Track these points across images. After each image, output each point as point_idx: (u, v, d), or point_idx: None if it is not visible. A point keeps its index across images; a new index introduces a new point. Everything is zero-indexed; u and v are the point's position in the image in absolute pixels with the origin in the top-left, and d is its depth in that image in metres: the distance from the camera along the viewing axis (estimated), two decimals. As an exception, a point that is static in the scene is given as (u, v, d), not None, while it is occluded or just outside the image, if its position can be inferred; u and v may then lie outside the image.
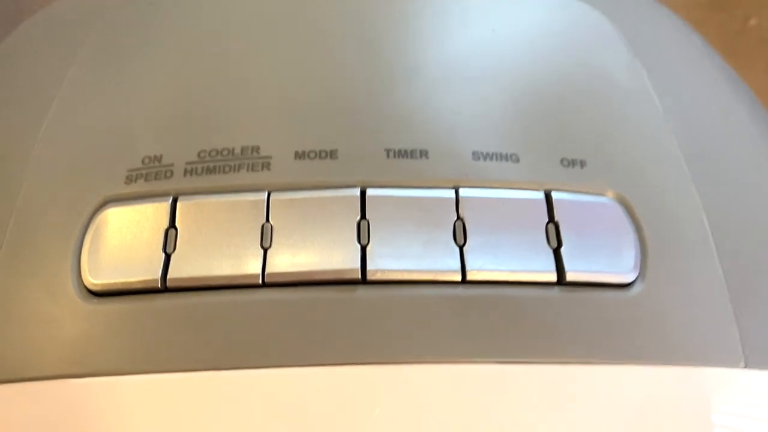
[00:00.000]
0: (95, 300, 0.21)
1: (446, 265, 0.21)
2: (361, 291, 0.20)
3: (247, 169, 0.22)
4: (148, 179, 0.22)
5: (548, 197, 0.22)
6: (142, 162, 0.22)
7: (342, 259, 0.20)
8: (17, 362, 0.20)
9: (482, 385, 0.20)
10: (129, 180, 0.22)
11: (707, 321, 0.21)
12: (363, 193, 0.22)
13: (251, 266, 0.20)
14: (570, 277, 0.21)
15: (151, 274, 0.20)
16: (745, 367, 0.21)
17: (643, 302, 0.21)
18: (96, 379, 0.20)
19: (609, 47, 0.27)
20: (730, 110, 0.28)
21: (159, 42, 0.26)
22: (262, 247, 0.21)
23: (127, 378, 0.20)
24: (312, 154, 0.22)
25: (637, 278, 0.21)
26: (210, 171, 0.22)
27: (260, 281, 0.20)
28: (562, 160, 0.23)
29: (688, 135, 0.25)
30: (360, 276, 0.20)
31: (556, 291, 0.21)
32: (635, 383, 0.20)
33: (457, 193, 0.22)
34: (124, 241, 0.21)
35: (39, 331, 0.20)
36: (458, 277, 0.21)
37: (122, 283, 0.21)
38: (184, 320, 0.20)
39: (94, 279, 0.21)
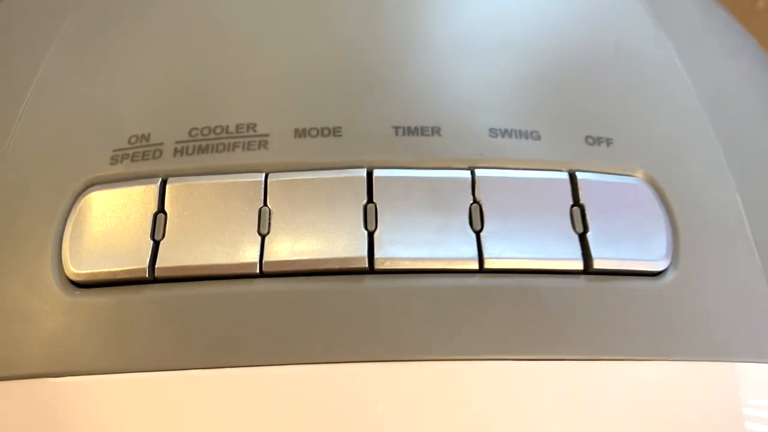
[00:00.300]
0: (77, 291, 0.19)
1: (462, 253, 0.19)
2: (369, 281, 0.18)
3: (243, 148, 0.20)
4: (135, 159, 0.20)
5: (573, 178, 0.20)
6: (129, 141, 0.21)
7: (347, 246, 0.19)
8: (-7, 360, 0.18)
9: (502, 384, 0.18)
10: (114, 160, 0.20)
11: (745, 312, 0.20)
12: (369, 174, 0.20)
13: (248, 254, 0.19)
14: (597, 264, 0.19)
15: (138, 262, 0.19)
16: None
17: (675, 292, 0.19)
18: (79, 379, 0.18)
19: (632, 17, 0.25)
20: (760, 85, 0.26)
21: (149, 13, 0.24)
22: (259, 233, 0.19)
23: (112, 377, 0.18)
24: (313, 132, 0.20)
25: (668, 266, 0.20)
26: (202, 150, 0.20)
27: (257, 271, 0.18)
28: (586, 138, 0.21)
29: (718, 110, 0.23)
30: (367, 265, 0.19)
31: (582, 280, 0.19)
32: (668, 380, 0.19)
33: (472, 173, 0.20)
34: (109, 226, 0.19)
35: (16, 325, 0.19)
36: (475, 266, 0.19)
37: (107, 273, 0.19)
38: (174, 314, 0.18)
39: (76, 269, 0.19)
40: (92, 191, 0.20)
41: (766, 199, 0.22)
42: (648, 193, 0.20)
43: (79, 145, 0.21)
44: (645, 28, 0.25)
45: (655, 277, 0.19)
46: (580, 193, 0.20)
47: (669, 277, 0.19)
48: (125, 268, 0.19)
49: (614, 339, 0.18)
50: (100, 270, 0.19)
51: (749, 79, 0.26)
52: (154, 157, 0.20)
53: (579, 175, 0.20)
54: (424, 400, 0.18)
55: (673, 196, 0.21)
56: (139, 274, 0.19)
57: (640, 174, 0.21)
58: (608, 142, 0.21)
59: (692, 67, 0.24)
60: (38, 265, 0.19)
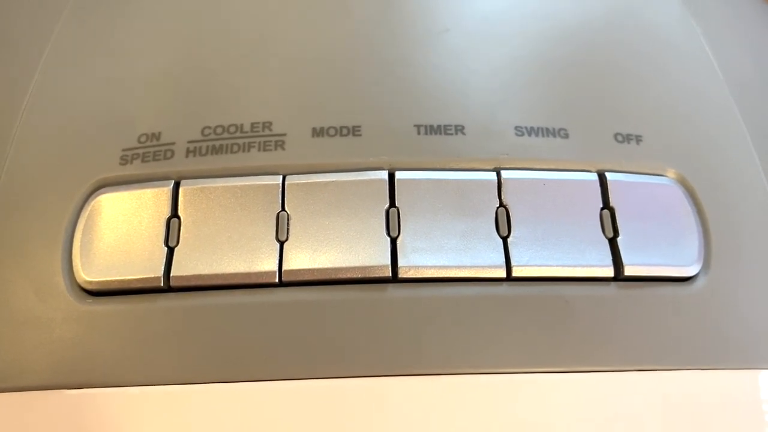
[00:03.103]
0: (90, 300, 0.18)
1: (489, 260, 0.18)
2: (393, 290, 0.18)
3: (259, 149, 0.19)
4: (146, 160, 0.19)
5: (602, 179, 0.19)
6: (139, 140, 0.20)
7: (369, 253, 0.18)
8: (4, 370, 0.18)
9: (532, 398, 0.17)
10: (124, 161, 0.20)
11: None
12: (391, 176, 0.19)
13: (266, 262, 0.18)
14: (628, 271, 0.18)
15: (153, 271, 0.18)
16: None
17: (707, 299, 0.19)
18: (92, 391, 0.17)
19: (660, 2, 0.24)
20: None
21: (159, 3, 0.23)
22: (277, 239, 0.18)
23: (127, 390, 0.17)
24: (332, 131, 0.20)
25: (700, 271, 0.19)
26: (216, 151, 0.19)
27: (277, 280, 0.18)
28: (616, 135, 0.20)
29: (751, 105, 0.22)
30: (390, 273, 0.18)
31: (613, 288, 0.18)
32: (701, 390, 0.18)
33: (498, 175, 0.19)
34: (121, 232, 0.19)
35: (27, 334, 0.18)
36: (503, 274, 0.18)
37: (120, 282, 0.18)
38: (191, 325, 0.18)
39: (88, 276, 0.18)
40: (102, 193, 0.19)
41: None
42: (679, 194, 0.20)
43: (86, 144, 0.20)
44: (673, 14, 0.24)
45: (686, 283, 0.19)
46: (610, 195, 0.19)
47: (700, 282, 0.19)
48: (139, 277, 0.18)
49: (645, 349, 0.18)
50: (113, 278, 0.18)
51: None
52: (165, 158, 0.19)
53: (609, 176, 0.19)
54: (451, 415, 0.17)
55: (704, 196, 0.20)
56: (154, 283, 0.18)
57: (671, 174, 0.20)
58: (638, 139, 0.20)
59: (722, 56, 0.23)
60: (49, 271, 0.18)
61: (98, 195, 0.19)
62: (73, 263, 0.18)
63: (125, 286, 0.18)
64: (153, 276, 0.18)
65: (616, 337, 0.18)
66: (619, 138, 0.20)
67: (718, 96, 0.22)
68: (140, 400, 0.17)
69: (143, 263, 0.18)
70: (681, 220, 0.19)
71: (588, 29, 0.23)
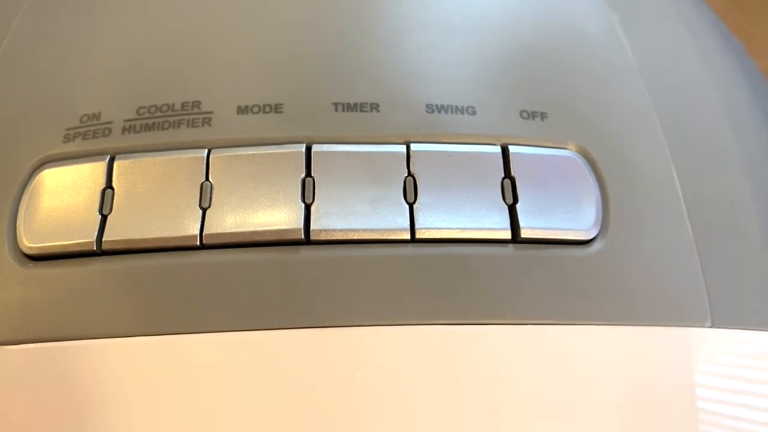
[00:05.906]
0: (31, 264, 0.20)
1: (395, 223, 0.20)
2: (305, 252, 0.19)
3: (187, 125, 0.21)
4: (87, 138, 0.21)
5: (505, 151, 0.21)
6: (81, 120, 0.21)
7: (285, 218, 0.20)
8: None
9: (433, 348, 0.19)
10: (67, 139, 0.21)
11: (672, 279, 0.20)
12: (309, 149, 0.20)
13: (189, 227, 0.19)
14: (525, 234, 0.20)
15: (87, 236, 0.20)
16: (712, 326, 0.20)
17: (602, 260, 0.20)
18: (32, 346, 0.19)
19: None
20: (711, 61, 0.26)
21: None
22: (200, 207, 0.20)
23: (62, 344, 0.19)
24: (255, 108, 0.21)
25: (597, 235, 0.20)
26: (149, 128, 0.21)
27: (198, 243, 0.19)
28: (521, 113, 0.22)
29: (661, 87, 0.23)
30: (303, 236, 0.19)
31: (510, 249, 0.20)
32: (592, 345, 0.19)
33: (408, 147, 0.21)
34: (61, 202, 0.20)
35: None
36: (407, 236, 0.20)
37: (58, 246, 0.20)
38: (119, 285, 0.19)
39: (29, 242, 0.20)
40: (46, 168, 0.21)
41: (701, 168, 0.22)
42: (580, 165, 0.21)
43: (34, 124, 0.22)
44: (591, 4, 0.25)
45: (584, 246, 0.20)
46: (512, 166, 0.21)
47: (597, 245, 0.20)
48: (74, 242, 0.20)
49: (540, 304, 0.19)
50: (52, 243, 0.20)
51: (699, 53, 0.26)
52: (104, 135, 0.21)
53: (511, 149, 0.21)
54: (356, 364, 0.19)
55: (605, 167, 0.21)
56: (88, 247, 0.20)
57: (572, 146, 0.22)
58: (543, 116, 0.22)
59: (636, 40, 0.24)
60: None
61: (42, 170, 0.21)
62: (17, 231, 0.20)
63: (62, 250, 0.20)
64: (87, 241, 0.20)
65: (512, 291, 0.19)
66: (525, 115, 0.22)
67: (627, 77, 0.23)
68: (74, 354, 0.19)
69: (79, 230, 0.20)
70: (581, 189, 0.21)
71: (503, 16, 0.24)
